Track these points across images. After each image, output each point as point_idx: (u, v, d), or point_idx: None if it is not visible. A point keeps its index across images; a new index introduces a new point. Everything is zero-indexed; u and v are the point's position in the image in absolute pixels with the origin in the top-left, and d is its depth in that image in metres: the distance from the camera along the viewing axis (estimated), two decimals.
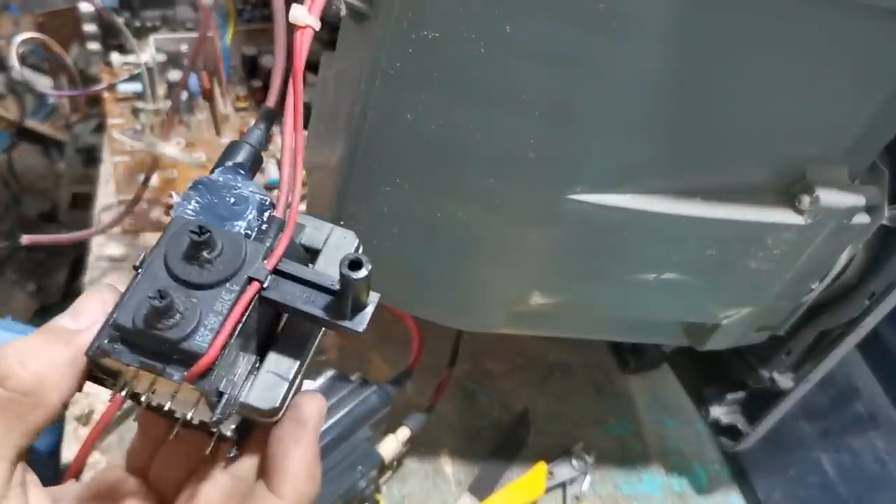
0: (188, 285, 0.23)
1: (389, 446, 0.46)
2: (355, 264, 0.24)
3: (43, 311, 1.34)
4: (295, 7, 0.27)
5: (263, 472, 0.26)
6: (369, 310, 0.25)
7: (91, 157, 1.24)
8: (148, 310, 0.22)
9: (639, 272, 0.38)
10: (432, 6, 0.28)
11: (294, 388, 0.26)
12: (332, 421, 0.43)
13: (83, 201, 1.29)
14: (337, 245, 0.27)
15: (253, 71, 0.67)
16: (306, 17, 0.27)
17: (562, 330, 0.44)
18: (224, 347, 0.23)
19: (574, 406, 0.58)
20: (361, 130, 0.32)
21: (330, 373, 0.47)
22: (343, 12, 0.29)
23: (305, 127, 0.61)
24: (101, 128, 1.14)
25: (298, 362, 0.26)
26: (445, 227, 0.35)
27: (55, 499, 0.24)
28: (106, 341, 0.23)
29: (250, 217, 0.25)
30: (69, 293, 1.37)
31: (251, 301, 0.24)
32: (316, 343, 0.27)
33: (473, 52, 0.29)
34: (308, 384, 0.46)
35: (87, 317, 0.24)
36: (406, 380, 0.48)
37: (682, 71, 0.30)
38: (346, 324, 0.25)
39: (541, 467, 0.52)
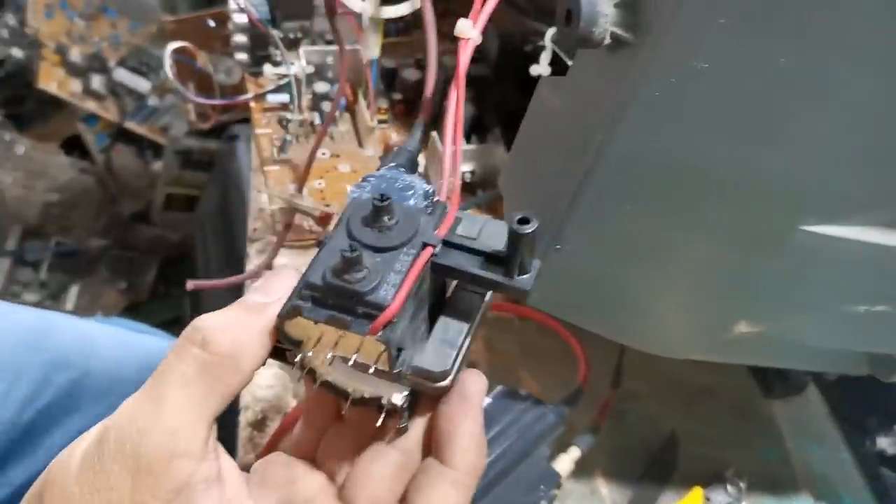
0: (370, 248, 0.26)
1: (564, 466, 0.46)
2: (524, 220, 0.25)
3: (131, 309, 1.37)
4: (461, 20, 0.31)
5: (433, 447, 0.28)
6: (534, 271, 0.27)
7: (187, 159, 1.26)
8: (338, 264, 0.25)
9: (851, 304, 0.37)
10: (707, 38, 0.28)
11: (462, 355, 0.28)
12: (512, 438, 0.44)
13: (176, 202, 1.32)
14: (490, 233, 0.28)
15: (392, 83, 0.68)
16: (470, 31, 0.31)
17: (753, 358, 0.43)
18: (405, 301, 0.25)
19: (719, 429, 0.58)
20: (602, 156, 0.32)
21: (500, 388, 0.47)
22: (607, 41, 0.29)
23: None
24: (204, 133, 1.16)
25: (466, 330, 0.28)
26: (667, 253, 0.35)
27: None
28: (298, 301, 0.25)
29: (418, 198, 0.28)
30: (157, 292, 1.40)
31: (427, 262, 0.26)
32: (480, 315, 0.29)
33: (740, 83, 0.29)
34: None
35: (276, 293, 0.27)
36: (578, 399, 0.48)
37: None
38: (514, 283, 0.26)
39: (697, 493, 0.52)
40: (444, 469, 0.27)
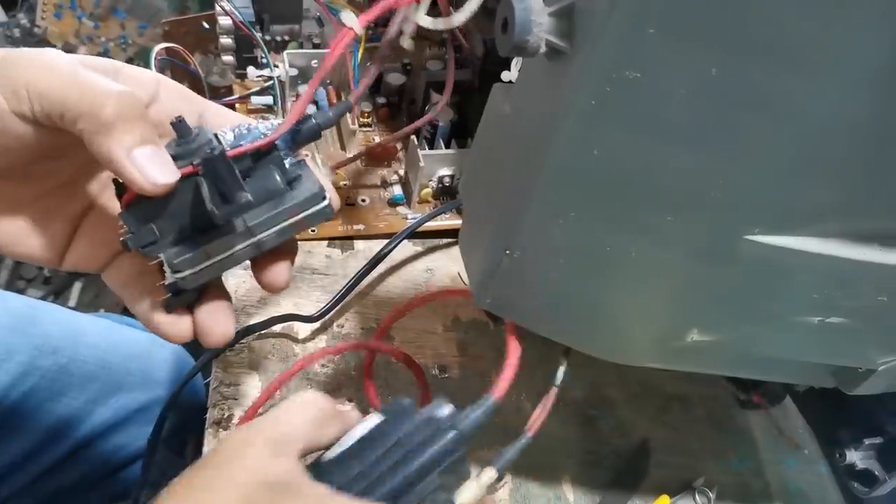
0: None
1: (468, 494, 0.35)
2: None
3: None
4: (345, 12, 0.33)
5: None
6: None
7: None
8: None
9: (804, 315, 0.37)
10: (638, 48, 0.28)
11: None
12: (397, 461, 0.34)
13: None
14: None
15: (377, 88, 0.68)
16: (353, 22, 0.32)
17: (710, 367, 0.43)
18: None
19: (693, 438, 0.57)
20: (545, 164, 0.32)
21: (395, 402, 0.36)
22: (542, 50, 0.29)
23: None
24: None
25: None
26: (614, 261, 0.35)
27: None
28: None
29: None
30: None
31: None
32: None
33: (673, 93, 0.29)
34: (366, 421, 0.36)
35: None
36: (487, 417, 0.37)
37: (886, 116, 0.29)
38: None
39: (664, 500, 0.52)
40: None
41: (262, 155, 0.31)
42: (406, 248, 0.62)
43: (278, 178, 0.31)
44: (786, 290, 0.36)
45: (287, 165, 0.32)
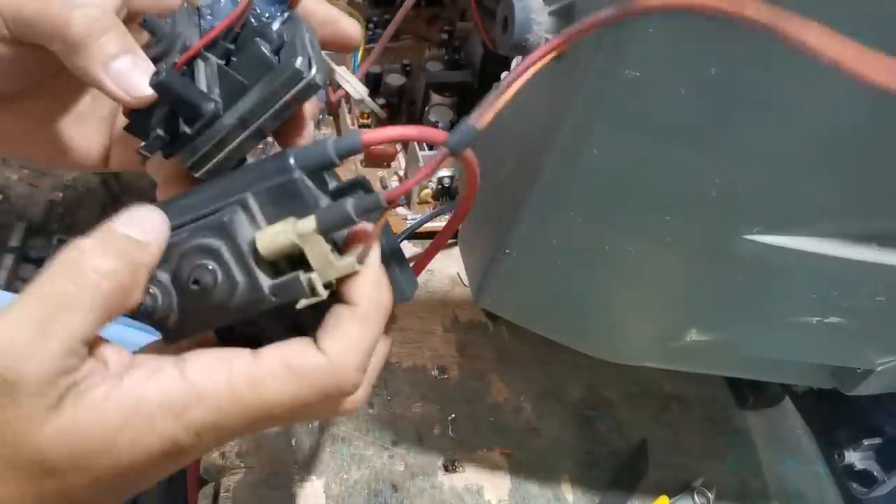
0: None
1: (274, 234, 0.27)
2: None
3: None
4: None
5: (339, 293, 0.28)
6: None
7: None
8: None
9: (803, 315, 0.37)
10: (638, 47, 0.28)
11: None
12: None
13: None
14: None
15: (377, 88, 0.68)
16: None
17: (708, 367, 0.43)
18: None
19: (691, 439, 0.57)
20: (544, 164, 0.32)
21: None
22: None
23: None
24: None
25: None
26: (613, 260, 0.35)
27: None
28: None
29: None
30: None
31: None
32: None
33: (672, 92, 0.29)
34: None
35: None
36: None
37: (884, 116, 0.30)
38: None
39: (663, 501, 0.52)
40: (347, 307, 0.27)
41: (245, 25, 0.28)
42: (405, 248, 0.62)
43: (265, 49, 0.28)
44: (785, 290, 0.36)
45: (275, 28, 0.29)
